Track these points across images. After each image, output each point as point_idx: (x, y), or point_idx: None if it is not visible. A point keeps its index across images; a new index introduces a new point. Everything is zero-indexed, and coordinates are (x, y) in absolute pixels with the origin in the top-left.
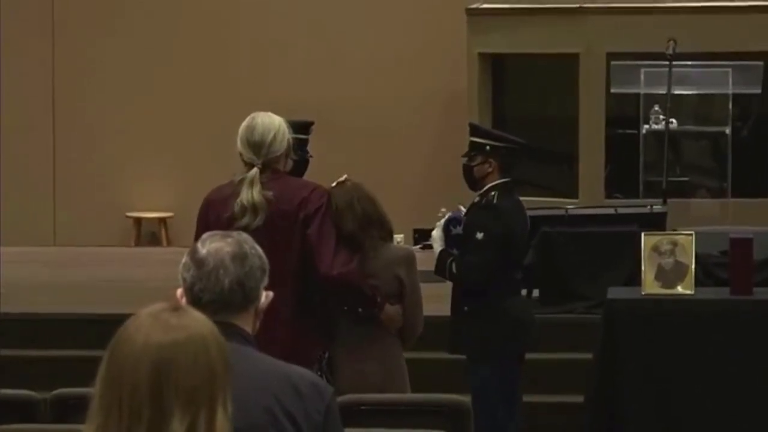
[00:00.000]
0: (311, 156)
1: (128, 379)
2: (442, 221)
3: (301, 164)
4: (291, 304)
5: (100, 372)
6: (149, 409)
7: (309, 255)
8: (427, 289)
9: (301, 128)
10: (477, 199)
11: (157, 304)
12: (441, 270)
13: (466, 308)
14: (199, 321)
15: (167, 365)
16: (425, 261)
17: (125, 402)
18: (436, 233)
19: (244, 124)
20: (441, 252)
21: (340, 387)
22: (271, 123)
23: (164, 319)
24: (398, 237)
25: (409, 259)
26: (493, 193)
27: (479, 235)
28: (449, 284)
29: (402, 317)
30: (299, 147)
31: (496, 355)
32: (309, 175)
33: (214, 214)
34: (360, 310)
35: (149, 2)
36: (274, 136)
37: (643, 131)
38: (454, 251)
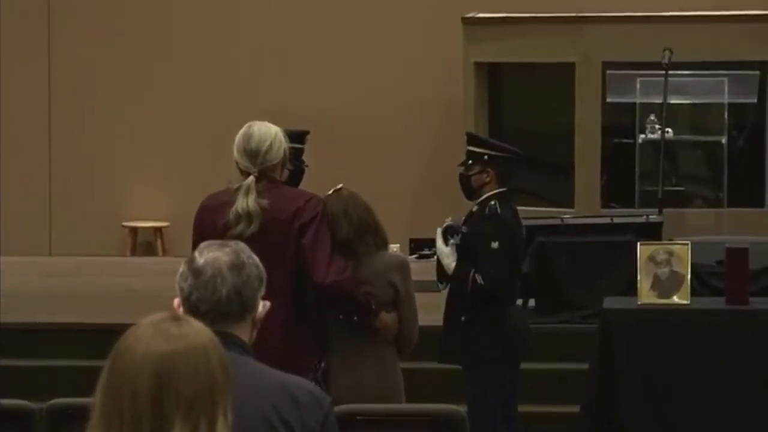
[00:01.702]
0: (307, 165)
1: (129, 388)
2: (439, 230)
3: (296, 174)
4: (285, 313)
5: (100, 381)
6: (150, 418)
7: (304, 263)
8: (420, 299)
9: (296, 137)
10: (476, 208)
11: (158, 314)
12: (460, 282)
13: (463, 318)
14: (199, 330)
15: (168, 374)
16: (421, 271)
17: (126, 411)
18: (443, 246)
19: (240, 132)
20: (458, 264)
21: (338, 396)
22: (268, 132)
23: (165, 328)
24: (394, 246)
25: (404, 267)
26: (492, 202)
27: (494, 245)
28: (443, 294)
29: (397, 324)
30: (295, 156)
31: (493, 363)
32: (306, 184)
33: (209, 221)
34: (355, 318)
35: (146, 13)
36: (270, 145)
37: (639, 141)
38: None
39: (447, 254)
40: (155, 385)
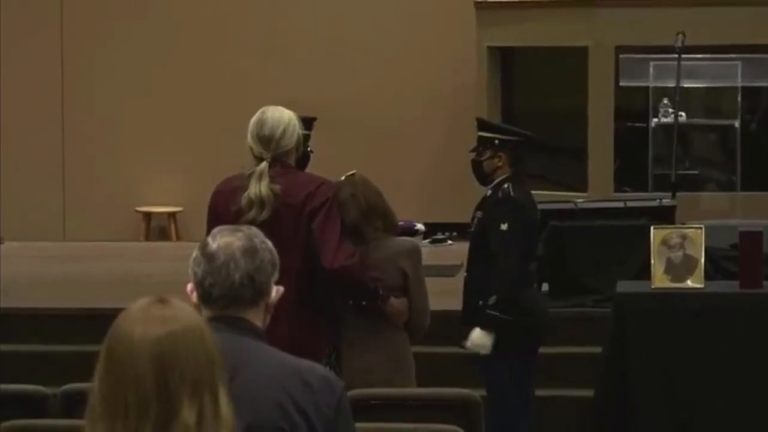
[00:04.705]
0: (312, 152)
1: (130, 376)
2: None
3: (302, 160)
4: (295, 299)
5: (98, 371)
6: (156, 402)
7: (314, 248)
8: (434, 284)
9: (304, 124)
10: (489, 193)
11: (143, 299)
12: (479, 268)
13: (480, 302)
14: (187, 311)
15: (168, 357)
16: (433, 256)
17: (131, 398)
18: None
19: (254, 118)
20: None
21: (349, 380)
22: (281, 117)
23: (155, 312)
24: None
25: (414, 252)
26: (505, 185)
27: (504, 226)
28: (456, 279)
29: (407, 310)
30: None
31: (512, 348)
32: (318, 172)
33: (223, 206)
34: (364, 303)
35: None
36: (284, 131)
37: (652, 125)
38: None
39: (483, 347)
40: (158, 369)
